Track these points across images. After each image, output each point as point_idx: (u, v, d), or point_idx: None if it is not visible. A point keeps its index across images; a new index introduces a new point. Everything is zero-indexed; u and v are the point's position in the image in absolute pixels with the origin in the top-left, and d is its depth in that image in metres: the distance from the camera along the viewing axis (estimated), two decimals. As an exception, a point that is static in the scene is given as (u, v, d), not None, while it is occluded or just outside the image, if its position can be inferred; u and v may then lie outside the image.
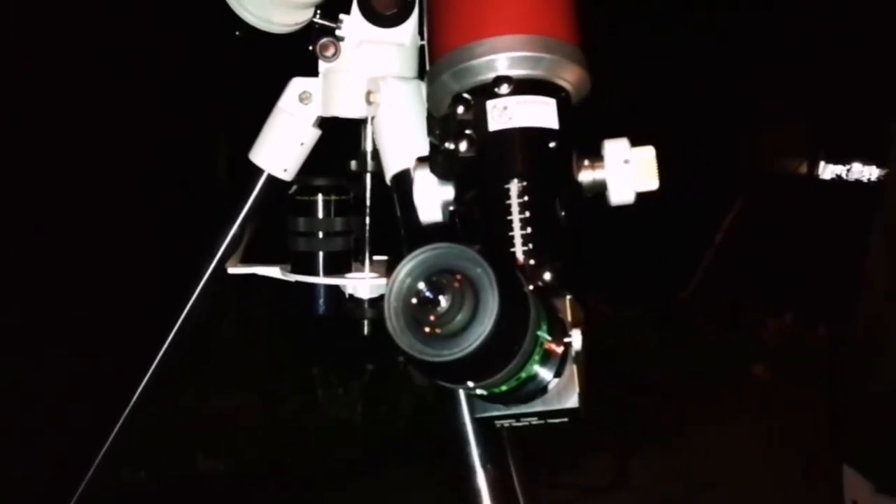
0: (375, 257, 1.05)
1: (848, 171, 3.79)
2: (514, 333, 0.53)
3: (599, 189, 0.72)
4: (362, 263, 1.04)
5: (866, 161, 3.67)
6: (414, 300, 0.53)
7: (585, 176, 0.72)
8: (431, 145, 0.74)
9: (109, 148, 2.51)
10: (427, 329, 0.52)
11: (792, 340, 2.74)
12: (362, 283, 1.00)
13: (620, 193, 0.72)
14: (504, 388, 0.56)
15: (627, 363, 2.40)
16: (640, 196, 0.73)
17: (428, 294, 0.52)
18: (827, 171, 3.82)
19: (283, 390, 2.18)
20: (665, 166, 0.73)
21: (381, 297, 0.99)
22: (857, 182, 3.73)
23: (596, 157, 0.72)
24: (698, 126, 3.04)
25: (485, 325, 0.50)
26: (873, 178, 3.56)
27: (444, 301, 0.52)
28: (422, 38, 0.97)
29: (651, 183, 0.73)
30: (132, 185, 2.51)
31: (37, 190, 2.48)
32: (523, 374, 0.56)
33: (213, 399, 2.08)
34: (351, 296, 1.02)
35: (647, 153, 0.73)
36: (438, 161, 0.71)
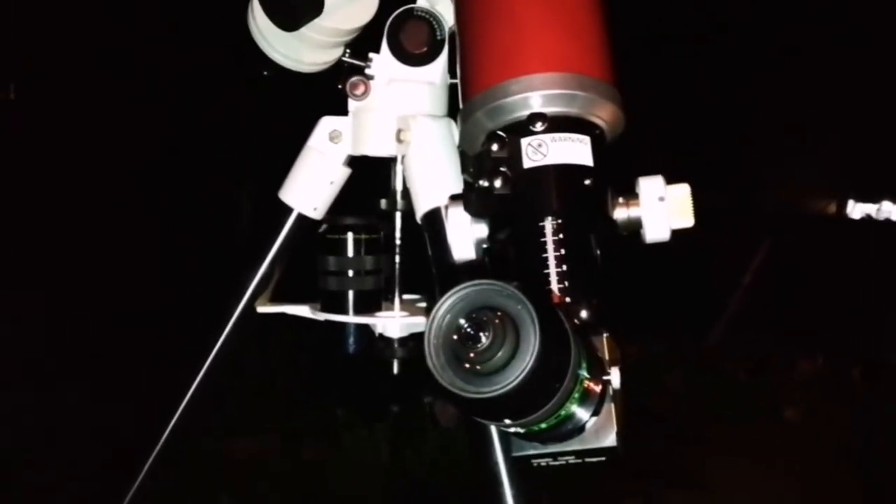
0: (405, 296, 1.05)
1: (878, 210, 3.75)
2: (555, 371, 0.52)
3: (634, 227, 0.71)
4: (392, 302, 1.03)
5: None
6: (454, 337, 0.52)
7: (620, 213, 0.71)
8: (465, 183, 0.74)
9: (142, 186, 2.54)
10: (467, 366, 0.51)
11: (823, 383, 2.70)
12: (392, 322, 1.00)
13: (656, 231, 0.71)
14: (543, 425, 0.55)
15: (654, 405, 2.37)
16: (672, 234, 0.72)
17: (469, 330, 0.51)
18: (856, 210, 3.79)
19: (306, 432, 2.16)
20: (695, 203, 0.72)
21: (411, 336, 1.00)
22: (888, 221, 3.69)
23: (631, 194, 0.71)
24: (724, 165, 3.03)
25: (526, 361, 0.49)
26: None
27: (484, 338, 0.51)
28: (452, 77, 0.98)
29: (686, 220, 0.72)
30: (161, 225, 2.53)
31: (66, 224, 2.51)
32: (562, 413, 0.55)
33: (236, 441, 2.07)
34: (381, 335, 1.01)
35: (683, 190, 0.72)
36: (472, 199, 0.70)
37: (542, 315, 0.50)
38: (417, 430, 2.16)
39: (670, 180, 0.73)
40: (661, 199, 0.71)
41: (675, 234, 0.72)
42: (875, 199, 3.72)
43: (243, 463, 2.05)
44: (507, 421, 0.54)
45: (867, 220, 3.73)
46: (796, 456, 2.23)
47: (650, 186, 0.71)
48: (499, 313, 0.51)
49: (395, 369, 1.01)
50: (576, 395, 0.55)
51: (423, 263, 0.96)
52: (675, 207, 0.71)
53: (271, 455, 2.09)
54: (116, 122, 2.50)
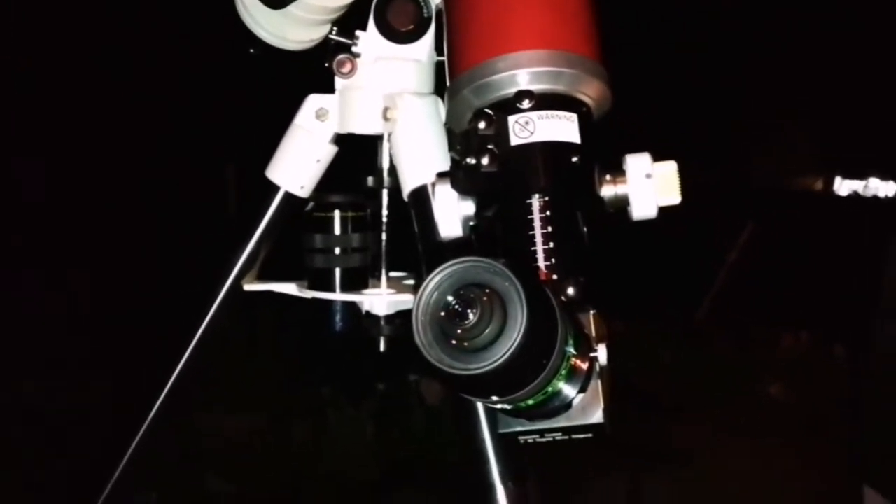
0: (392, 274, 1.05)
1: (865, 186, 3.77)
2: (542, 347, 0.52)
3: (622, 204, 0.71)
4: (379, 280, 1.03)
5: (884, 176, 3.65)
6: (442, 314, 0.52)
7: (608, 191, 0.71)
8: (452, 160, 0.74)
9: (127, 167, 2.52)
10: (455, 343, 0.51)
11: (808, 359, 2.72)
12: (379, 300, 1.00)
13: (643, 208, 0.71)
14: (530, 402, 0.56)
15: (641, 382, 2.38)
16: (659, 211, 0.72)
17: (456, 307, 0.51)
18: (843, 186, 3.80)
19: (292, 410, 2.17)
20: (682, 180, 0.72)
21: (398, 314, 1.00)
22: (875, 198, 3.70)
23: (618, 171, 0.71)
24: (710, 142, 3.03)
25: (513, 338, 0.49)
26: (891, 193, 3.53)
27: (472, 314, 0.51)
28: (439, 55, 0.98)
29: (673, 197, 0.72)
30: (145, 202, 2.52)
31: (47, 206, 2.49)
32: (550, 389, 0.55)
33: (222, 419, 2.07)
34: (367, 313, 1.01)
35: (669, 167, 0.72)
36: (459, 176, 0.70)
37: (530, 292, 0.50)
38: (403, 408, 2.17)
39: (657, 158, 0.73)
40: (649, 176, 0.71)
41: (662, 210, 0.72)
42: (862, 175, 3.74)
43: (229, 441, 2.05)
44: (495, 398, 0.54)
45: (854, 196, 3.75)
46: (782, 432, 2.26)
47: (637, 164, 0.71)
48: (486, 290, 0.51)
49: (382, 347, 1.01)
50: (563, 372, 0.55)
51: (410, 241, 0.96)
52: (662, 184, 0.71)
53: (257, 433, 2.09)
54: (99, 103, 2.48)
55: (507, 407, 0.57)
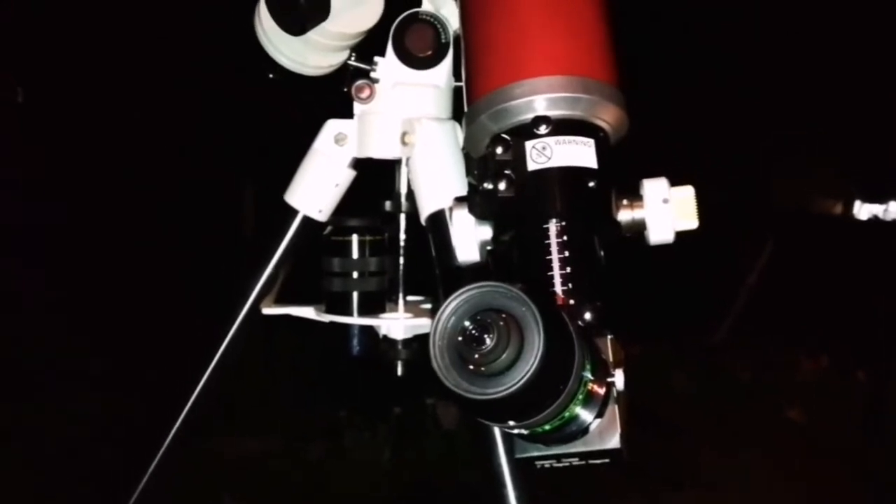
0: (410, 298, 1.05)
1: (885, 210, 3.75)
2: (559, 372, 0.52)
3: (639, 228, 0.71)
4: (396, 304, 1.03)
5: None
6: (459, 338, 0.52)
7: (625, 215, 0.71)
8: (470, 185, 0.74)
9: (150, 189, 2.54)
10: (472, 367, 0.51)
11: (828, 384, 2.69)
12: (396, 324, 1.00)
13: (660, 232, 0.71)
14: (547, 427, 0.56)
15: (658, 406, 2.37)
16: (677, 235, 0.73)
17: (473, 332, 0.52)
18: (863, 210, 3.78)
19: (310, 433, 2.17)
20: (699, 205, 0.72)
21: (415, 338, 1.00)
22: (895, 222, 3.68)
23: (635, 196, 0.72)
24: (730, 166, 3.03)
25: (530, 363, 0.49)
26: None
27: (489, 339, 0.51)
28: (457, 80, 0.99)
29: (690, 222, 0.72)
30: (168, 227, 2.54)
31: (73, 225, 2.52)
32: (567, 414, 0.55)
33: (240, 441, 2.07)
34: (385, 336, 1.01)
35: (686, 192, 0.72)
36: (477, 201, 0.70)
37: (546, 317, 0.50)
38: (420, 431, 2.17)
39: (674, 182, 0.73)
40: (666, 200, 0.71)
41: (679, 235, 0.72)
42: (882, 199, 3.72)
43: (247, 463, 2.05)
44: (511, 423, 0.54)
45: (874, 220, 3.72)
46: (800, 456, 2.23)
47: (654, 188, 0.71)
48: (503, 315, 0.51)
49: (399, 371, 1.01)
50: (580, 397, 0.55)
51: (428, 265, 0.96)
52: (679, 209, 0.72)
53: (274, 455, 2.09)
54: (122, 126, 2.51)
55: (524, 432, 0.57)
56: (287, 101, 1.08)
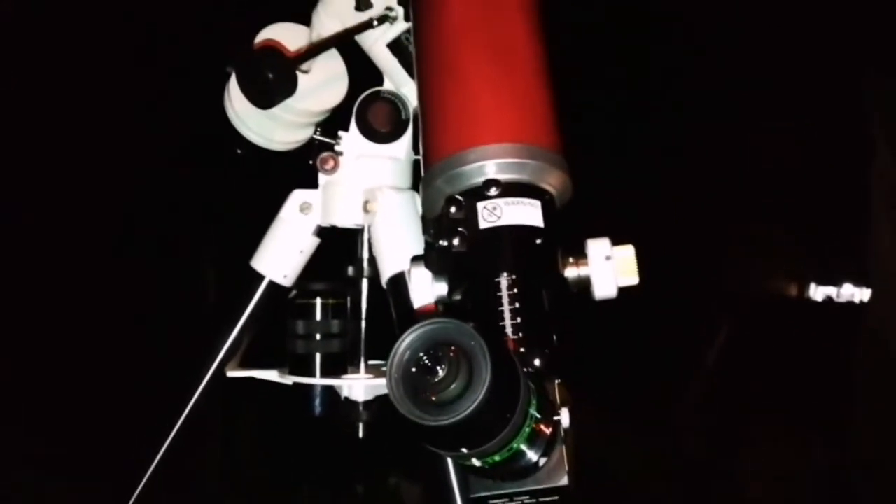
0: (371, 362, 1.08)
1: (838, 293, 3.85)
2: (505, 401, 0.56)
3: (584, 285, 0.76)
4: (358, 367, 1.07)
5: (857, 283, 3.74)
6: (413, 370, 0.56)
7: (571, 272, 0.76)
8: (426, 244, 0.79)
9: (119, 252, 2.55)
10: (425, 397, 0.55)
11: (787, 462, 2.72)
12: (358, 385, 1.03)
13: (604, 288, 0.76)
14: (497, 458, 0.59)
15: (616, 483, 2.37)
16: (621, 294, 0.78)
17: (427, 363, 0.56)
18: (818, 292, 3.88)
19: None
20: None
21: (376, 399, 1.03)
22: (849, 303, 3.78)
23: (580, 254, 0.77)
24: (685, 246, 3.11)
25: (478, 392, 0.53)
26: (866, 299, 3.63)
27: (440, 370, 0.55)
28: (416, 154, 1.05)
29: (632, 279, 0.77)
30: (135, 291, 2.54)
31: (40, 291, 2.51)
32: (514, 446, 0.59)
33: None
34: (346, 398, 1.04)
35: (628, 251, 0.78)
36: (433, 257, 0.75)
37: (494, 350, 0.54)
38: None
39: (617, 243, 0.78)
40: (608, 258, 0.77)
41: (628, 299, 0.78)
42: (836, 282, 3.83)
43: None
44: (464, 450, 0.57)
45: (828, 301, 3.82)
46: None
47: (597, 247, 0.77)
48: (453, 349, 0.56)
49: (361, 433, 1.04)
50: (526, 430, 0.59)
51: (389, 330, 1.00)
52: (622, 266, 0.77)
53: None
54: (91, 186, 2.53)
55: (477, 464, 0.60)
56: (255, 172, 1.13)
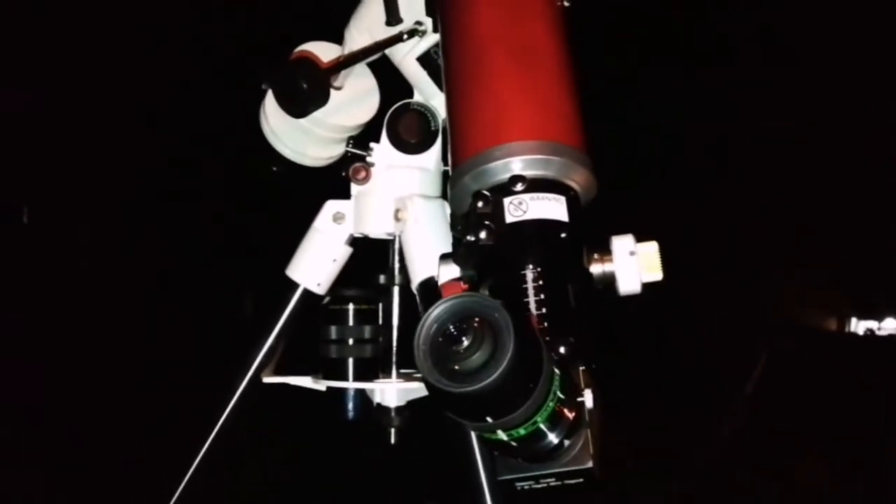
0: (402, 370, 1.10)
1: (879, 327, 3.81)
2: (529, 371, 0.58)
3: (609, 280, 0.78)
4: (389, 375, 1.08)
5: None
6: (440, 339, 0.58)
7: (596, 268, 0.78)
8: (454, 240, 0.81)
9: (159, 263, 2.61)
10: (452, 366, 0.57)
11: (827, 493, 2.67)
12: (390, 391, 1.05)
13: (628, 283, 0.78)
14: (522, 431, 0.60)
15: None
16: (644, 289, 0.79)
17: (453, 332, 0.58)
18: (859, 326, 3.85)
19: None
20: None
21: (407, 405, 1.05)
22: (891, 337, 3.75)
23: (605, 251, 0.78)
24: (728, 277, 3.10)
25: (502, 360, 0.55)
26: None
27: (466, 340, 0.57)
28: (445, 164, 1.07)
29: (656, 274, 0.79)
30: (174, 301, 2.60)
31: (77, 303, 2.57)
32: (539, 419, 0.60)
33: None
34: (378, 404, 1.06)
35: (651, 247, 0.79)
36: (461, 252, 0.77)
37: (517, 322, 0.56)
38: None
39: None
40: (632, 253, 0.78)
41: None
42: (878, 316, 3.79)
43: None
44: (489, 419, 0.59)
45: (869, 335, 3.78)
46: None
47: (621, 243, 0.78)
48: (478, 320, 0.58)
49: (393, 438, 1.05)
50: (550, 405, 0.61)
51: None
52: (645, 262, 0.78)
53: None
54: (130, 206, 2.60)
55: (503, 437, 0.61)
56: (291, 184, 1.17)
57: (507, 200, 0.76)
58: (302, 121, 1.07)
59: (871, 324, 3.83)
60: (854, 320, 3.85)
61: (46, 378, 2.39)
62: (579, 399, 0.65)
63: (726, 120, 2.97)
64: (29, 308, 2.53)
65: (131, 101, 2.58)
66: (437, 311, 0.59)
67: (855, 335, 3.81)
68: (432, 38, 1.03)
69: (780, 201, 3.20)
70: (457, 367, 0.57)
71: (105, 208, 2.60)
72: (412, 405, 1.05)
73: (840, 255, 3.43)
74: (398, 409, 1.05)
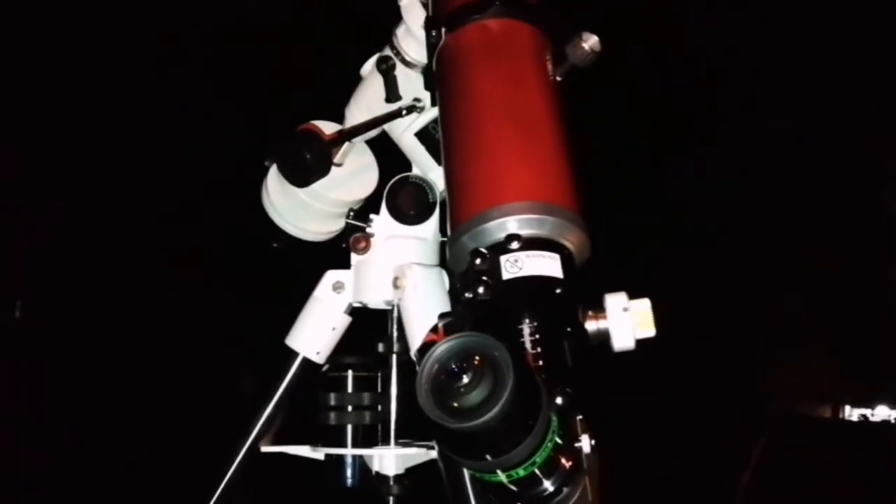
0: (401, 441, 1.10)
1: (873, 414, 3.82)
2: (528, 408, 0.59)
3: (603, 337, 0.80)
4: (388, 444, 1.09)
5: (892, 405, 3.72)
6: (442, 377, 0.60)
7: (590, 325, 0.80)
8: (452, 297, 0.84)
9: (156, 325, 2.60)
10: (453, 404, 0.59)
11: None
12: (388, 459, 1.05)
13: (622, 340, 0.80)
14: (521, 472, 0.61)
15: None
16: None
17: (454, 369, 0.60)
18: (853, 413, 3.86)
19: None
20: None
21: (406, 473, 1.05)
22: (885, 423, 3.75)
23: (599, 308, 0.81)
24: (722, 364, 3.11)
25: (501, 395, 0.57)
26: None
27: (466, 377, 0.59)
28: (443, 235, 1.10)
29: (648, 331, 0.81)
30: (174, 364, 2.58)
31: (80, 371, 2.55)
32: (538, 459, 0.61)
33: None
34: (377, 473, 1.06)
35: (644, 304, 0.82)
36: (458, 309, 0.80)
37: (517, 359, 0.58)
38: None
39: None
40: (625, 310, 0.80)
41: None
42: (870, 404, 3.79)
43: None
44: (488, 457, 0.60)
45: (863, 421, 3.77)
46: None
47: (615, 301, 0.81)
48: (478, 357, 0.60)
49: (392, 507, 1.05)
50: (549, 445, 0.62)
51: (418, 409, 1.02)
52: (639, 319, 0.81)
53: None
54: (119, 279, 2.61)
55: (503, 478, 0.62)
56: (292, 254, 1.20)
57: (503, 258, 0.79)
58: (303, 196, 1.11)
59: (865, 410, 3.85)
60: (848, 407, 3.87)
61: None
62: (577, 444, 0.66)
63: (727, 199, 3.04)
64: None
65: (131, 168, 2.65)
66: (438, 350, 0.61)
67: (849, 422, 3.81)
68: (430, 114, 1.08)
69: (771, 283, 3.25)
70: (457, 405, 0.59)
71: (99, 298, 2.62)
72: (411, 474, 1.05)
73: (832, 344, 3.46)
74: (397, 477, 1.05)
